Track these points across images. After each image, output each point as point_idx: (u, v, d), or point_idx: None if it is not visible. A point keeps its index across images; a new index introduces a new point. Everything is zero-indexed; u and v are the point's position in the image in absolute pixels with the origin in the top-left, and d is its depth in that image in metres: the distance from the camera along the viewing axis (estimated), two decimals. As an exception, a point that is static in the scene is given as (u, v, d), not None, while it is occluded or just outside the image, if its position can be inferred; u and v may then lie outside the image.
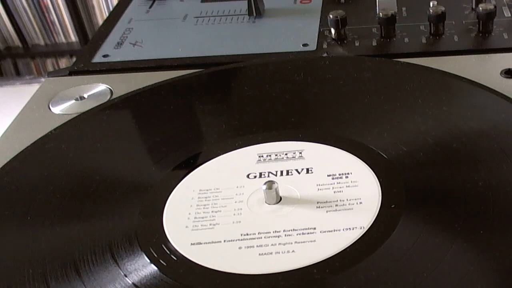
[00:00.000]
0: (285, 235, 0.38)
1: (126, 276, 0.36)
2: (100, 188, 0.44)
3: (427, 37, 0.59)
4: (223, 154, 0.46)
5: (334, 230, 0.38)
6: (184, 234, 0.39)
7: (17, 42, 1.97)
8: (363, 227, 0.38)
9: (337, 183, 0.42)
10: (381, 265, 0.35)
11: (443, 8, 0.58)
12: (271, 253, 0.37)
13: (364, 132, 0.46)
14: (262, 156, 0.45)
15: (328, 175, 0.43)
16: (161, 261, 0.37)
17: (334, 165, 0.43)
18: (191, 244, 0.39)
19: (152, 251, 0.38)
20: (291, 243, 0.38)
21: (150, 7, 0.73)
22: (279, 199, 0.41)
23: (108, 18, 0.73)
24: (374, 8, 0.64)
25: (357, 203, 0.40)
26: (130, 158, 0.47)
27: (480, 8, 0.58)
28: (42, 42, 1.98)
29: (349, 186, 0.41)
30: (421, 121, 0.46)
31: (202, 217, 0.41)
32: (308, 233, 0.38)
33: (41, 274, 0.37)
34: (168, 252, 0.38)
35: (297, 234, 0.38)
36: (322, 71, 0.55)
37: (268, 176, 0.43)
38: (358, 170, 0.43)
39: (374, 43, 0.60)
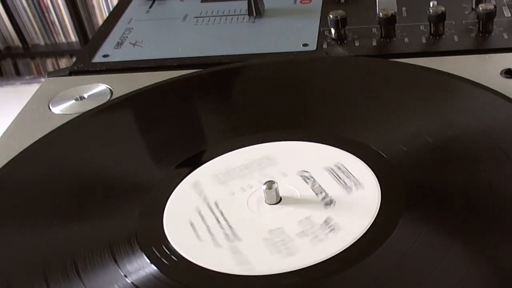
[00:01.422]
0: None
1: (126, 276, 0.36)
2: (100, 188, 0.44)
3: (427, 37, 0.59)
4: (223, 154, 0.46)
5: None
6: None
7: (17, 42, 1.97)
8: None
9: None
10: (381, 265, 0.35)
11: (443, 8, 0.58)
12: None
13: (364, 132, 0.46)
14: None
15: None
16: (161, 261, 0.37)
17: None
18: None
19: (152, 251, 0.38)
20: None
21: (150, 7, 0.73)
22: (279, 199, 0.41)
23: (108, 18, 0.73)
24: (374, 8, 0.64)
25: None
26: (130, 158, 0.47)
27: (480, 8, 0.58)
28: (42, 42, 1.98)
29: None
30: (421, 121, 0.46)
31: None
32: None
33: (41, 274, 0.37)
34: (168, 253, 0.38)
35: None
36: (322, 71, 0.55)
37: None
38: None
39: (374, 43, 0.60)
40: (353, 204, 0.40)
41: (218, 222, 0.40)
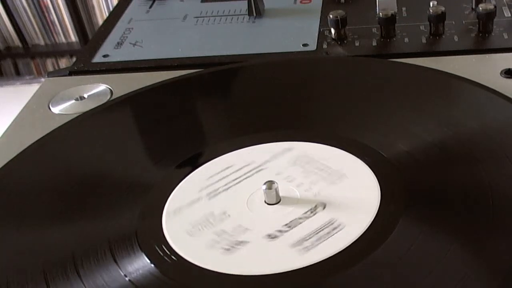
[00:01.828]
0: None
1: (126, 276, 0.36)
2: (100, 188, 0.44)
3: (427, 37, 0.59)
4: (223, 154, 0.46)
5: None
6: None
7: (17, 42, 1.97)
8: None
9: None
10: (380, 265, 0.35)
11: (443, 8, 0.58)
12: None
13: (365, 132, 0.46)
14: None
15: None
16: (160, 261, 0.37)
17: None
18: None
19: (152, 251, 0.38)
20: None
21: (150, 7, 0.73)
22: (279, 199, 0.41)
23: (108, 18, 0.73)
24: (374, 8, 0.64)
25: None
26: (130, 158, 0.47)
27: (480, 8, 0.58)
28: (42, 42, 1.98)
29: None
30: (421, 121, 0.46)
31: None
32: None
33: (41, 274, 0.37)
34: (168, 253, 0.38)
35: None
36: (322, 71, 0.55)
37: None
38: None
39: (374, 43, 0.60)
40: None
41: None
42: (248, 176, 0.44)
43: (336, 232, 0.38)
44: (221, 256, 0.37)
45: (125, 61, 0.62)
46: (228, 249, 0.38)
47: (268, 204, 0.41)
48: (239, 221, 0.40)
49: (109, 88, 0.57)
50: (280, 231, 0.39)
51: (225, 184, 0.43)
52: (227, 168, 0.45)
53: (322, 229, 0.38)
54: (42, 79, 0.92)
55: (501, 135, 0.43)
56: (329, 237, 0.38)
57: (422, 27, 0.61)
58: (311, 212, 0.40)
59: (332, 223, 0.39)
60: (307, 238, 0.38)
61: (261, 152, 0.46)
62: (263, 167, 0.44)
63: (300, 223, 0.39)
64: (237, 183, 0.43)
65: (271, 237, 0.38)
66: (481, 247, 0.36)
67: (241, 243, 0.38)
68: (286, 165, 0.44)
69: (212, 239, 0.39)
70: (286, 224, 0.39)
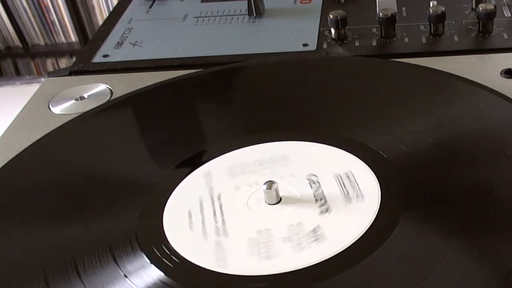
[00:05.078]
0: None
1: (126, 276, 0.37)
2: (100, 188, 0.44)
3: (427, 37, 0.59)
4: (223, 154, 0.46)
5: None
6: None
7: (17, 42, 1.97)
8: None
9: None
10: (380, 265, 0.35)
11: (443, 8, 0.58)
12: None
13: (364, 132, 0.46)
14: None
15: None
16: (161, 261, 0.37)
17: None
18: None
19: (152, 251, 0.38)
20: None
21: (150, 7, 0.73)
22: (279, 199, 0.41)
23: (108, 18, 0.73)
24: (374, 8, 0.64)
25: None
26: (131, 158, 0.47)
27: (480, 8, 0.58)
28: (42, 42, 1.98)
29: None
30: (421, 121, 0.46)
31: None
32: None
33: (41, 274, 0.37)
34: (168, 253, 0.38)
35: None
36: (322, 71, 0.55)
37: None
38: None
39: (374, 43, 0.60)
40: (352, 204, 0.40)
41: (214, 215, 0.40)
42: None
43: (359, 187, 0.38)
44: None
45: (125, 61, 0.62)
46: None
47: (268, 204, 0.41)
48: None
49: (109, 88, 0.57)
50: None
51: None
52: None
53: (347, 189, 0.39)
54: (42, 79, 0.92)
55: (501, 135, 0.43)
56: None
57: (422, 27, 0.61)
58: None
59: (346, 183, 0.39)
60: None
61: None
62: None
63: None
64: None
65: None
66: (481, 247, 0.36)
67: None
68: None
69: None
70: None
